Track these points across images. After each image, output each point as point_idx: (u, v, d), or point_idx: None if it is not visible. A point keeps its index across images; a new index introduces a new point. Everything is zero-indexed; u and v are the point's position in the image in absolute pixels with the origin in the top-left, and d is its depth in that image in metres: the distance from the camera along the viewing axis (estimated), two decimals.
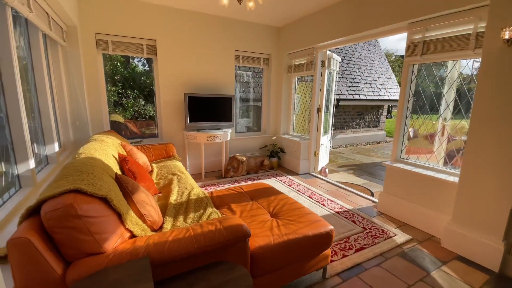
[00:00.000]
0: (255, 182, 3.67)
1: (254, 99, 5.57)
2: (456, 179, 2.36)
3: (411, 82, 2.88)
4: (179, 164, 3.30)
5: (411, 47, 2.72)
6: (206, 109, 4.17)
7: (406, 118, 2.98)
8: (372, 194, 3.79)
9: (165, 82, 4.01)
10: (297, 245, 1.63)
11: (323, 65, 4.19)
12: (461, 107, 2.57)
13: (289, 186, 3.86)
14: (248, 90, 5.59)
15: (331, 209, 3.07)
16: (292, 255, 1.63)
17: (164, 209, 1.96)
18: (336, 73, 4.99)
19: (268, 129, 5.20)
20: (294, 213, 1.95)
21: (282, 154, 4.89)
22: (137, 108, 4.54)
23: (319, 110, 4.36)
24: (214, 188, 3.74)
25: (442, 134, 2.91)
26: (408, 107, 2.95)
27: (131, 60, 4.57)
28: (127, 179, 1.64)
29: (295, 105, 5.03)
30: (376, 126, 9.50)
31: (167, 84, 4.04)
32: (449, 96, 2.67)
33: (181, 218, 1.85)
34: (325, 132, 4.73)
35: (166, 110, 4.12)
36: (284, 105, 4.98)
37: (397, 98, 9.17)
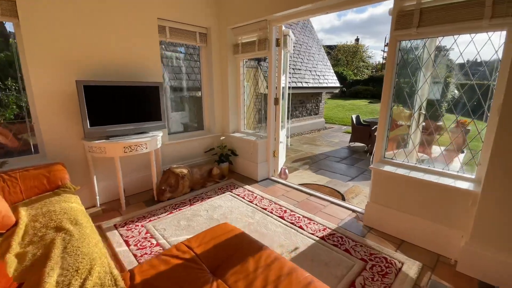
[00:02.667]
0: (211, 227, 2.61)
1: (190, 88, 4.33)
2: (470, 186, 1.90)
3: (397, 64, 2.30)
4: (73, 202, 1.94)
5: (402, 17, 2.10)
6: (119, 104, 2.78)
7: (391, 109, 2.43)
8: (343, 198, 3.27)
9: (41, 60, 2.43)
10: None
11: (278, 44, 3.33)
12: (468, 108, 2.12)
13: (251, 202, 2.95)
14: (180, 77, 4.30)
15: (313, 233, 2.33)
16: None
17: None
18: (290, 56, 4.23)
19: (213, 127, 4.10)
20: None
21: (234, 157, 3.92)
22: (24, 105, 2.72)
23: (276, 101, 3.53)
24: (141, 227, 2.50)
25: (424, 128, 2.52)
26: (393, 94, 2.39)
27: None
28: None
29: (244, 95, 4.07)
30: (317, 114, 9.50)
31: (45, 64, 2.46)
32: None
33: None
34: (283, 127, 3.98)
35: (47, 107, 2.54)
36: (232, 96, 3.95)
37: (334, 85, 9.30)
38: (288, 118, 4.57)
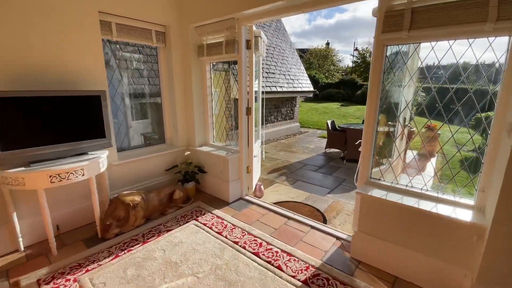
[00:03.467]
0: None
1: (152, 94, 3.74)
2: (473, 217, 1.62)
3: (383, 72, 2.00)
4: None
5: (390, 18, 1.79)
6: (47, 120, 2.15)
7: (378, 122, 2.13)
8: (324, 219, 2.93)
9: None
10: None
11: (248, 46, 2.91)
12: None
13: (220, 234, 2.47)
14: (141, 81, 3.69)
15: (294, 275, 1.93)
16: None
17: None
18: (263, 60, 3.85)
19: (176, 140, 3.55)
20: None
21: (202, 175, 3.41)
22: None
23: (248, 111, 3.10)
24: (73, 282, 1.91)
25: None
26: (380, 106, 2.09)
27: None
28: None
29: (213, 103, 3.59)
30: (292, 118, 9.28)
31: None
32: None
33: None
34: (257, 137, 3.56)
35: None
36: (198, 103, 3.45)
37: (308, 89, 9.15)
38: (262, 124, 4.16)
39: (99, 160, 2.30)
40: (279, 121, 8.48)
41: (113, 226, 2.35)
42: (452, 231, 1.67)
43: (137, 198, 2.53)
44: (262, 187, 3.47)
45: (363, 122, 7.18)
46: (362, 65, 35.12)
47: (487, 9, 1.45)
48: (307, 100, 19.36)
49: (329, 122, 6.36)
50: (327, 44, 35.36)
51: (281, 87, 7.62)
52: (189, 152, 3.56)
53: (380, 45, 1.92)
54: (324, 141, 7.72)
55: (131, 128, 3.51)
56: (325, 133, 8.94)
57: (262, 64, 7.11)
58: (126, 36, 2.83)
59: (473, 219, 1.61)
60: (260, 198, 3.36)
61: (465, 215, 1.66)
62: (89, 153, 2.41)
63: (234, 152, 3.21)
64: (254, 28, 2.89)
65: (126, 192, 2.63)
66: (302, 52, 27.99)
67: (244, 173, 3.26)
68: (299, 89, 8.51)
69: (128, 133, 3.45)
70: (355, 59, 35.71)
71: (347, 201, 3.44)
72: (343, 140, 5.92)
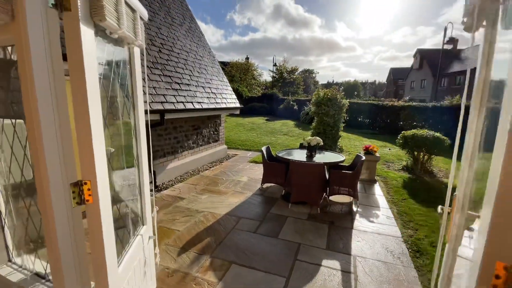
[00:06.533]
0: None
1: None
2: None
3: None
4: None
5: None
6: None
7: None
8: None
9: None
10: None
11: (65, 6, 1.03)
12: None
13: None
14: None
15: None
16: None
17: None
18: (142, 58, 2.05)
19: None
20: None
21: None
22: None
23: (80, 188, 1.16)
24: None
25: None
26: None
27: None
28: None
29: None
30: (217, 140, 7.56)
31: None
32: None
33: None
34: (140, 223, 1.64)
35: None
36: None
37: (234, 105, 7.66)
38: (147, 163, 2.25)
39: None
40: (200, 146, 6.61)
41: None
42: None
43: None
44: None
45: (300, 147, 6.14)
46: (280, 80, 37.27)
47: None
48: (232, 114, 18.16)
49: (264, 149, 4.95)
50: (247, 58, 35.95)
51: (199, 103, 5.81)
52: None
53: None
54: (257, 167, 6.31)
55: None
56: (257, 156, 7.61)
57: (168, 71, 5.04)
58: None
59: None
60: None
61: None
62: None
63: None
64: None
65: None
66: (223, 65, 27.06)
67: None
68: (224, 106, 6.91)
69: None
70: (273, 74, 37.58)
71: None
72: (282, 172, 4.59)
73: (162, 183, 5.01)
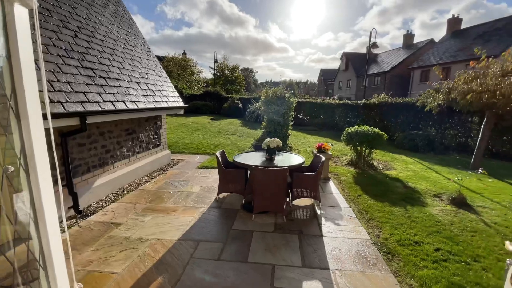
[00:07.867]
0: None
1: None
2: None
3: None
4: None
5: None
6: None
7: None
8: None
9: None
10: None
11: None
12: None
13: None
14: None
15: None
16: None
17: None
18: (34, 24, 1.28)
19: None
20: None
21: None
22: None
23: None
24: None
25: None
26: None
27: None
28: None
29: None
30: (158, 145, 6.53)
31: None
32: None
33: None
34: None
35: None
36: None
37: (177, 104, 6.74)
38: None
39: None
40: (137, 154, 5.53)
41: None
42: None
43: None
44: None
45: (256, 148, 5.73)
46: (221, 78, 36.37)
47: None
48: (173, 114, 16.61)
49: (218, 154, 4.36)
50: (184, 53, 33.79)
51: (134, 102, 4.78)
52: None
53: None
54: (209, 174, 5.66)
55: None
56: (207, 159, 6.91)
57: (89, 61, 3.71)
58: None
59: None
60: None
61: None
62: None
63: None
64: None
65: None
66: (158, 59, 24.68)
67: None
68: (165, 105, 5.95)
69: None
70: (214, 71, 36.45)
71: None
72: (242, 179, 4.11)
73: (88, 206, 3.88)
